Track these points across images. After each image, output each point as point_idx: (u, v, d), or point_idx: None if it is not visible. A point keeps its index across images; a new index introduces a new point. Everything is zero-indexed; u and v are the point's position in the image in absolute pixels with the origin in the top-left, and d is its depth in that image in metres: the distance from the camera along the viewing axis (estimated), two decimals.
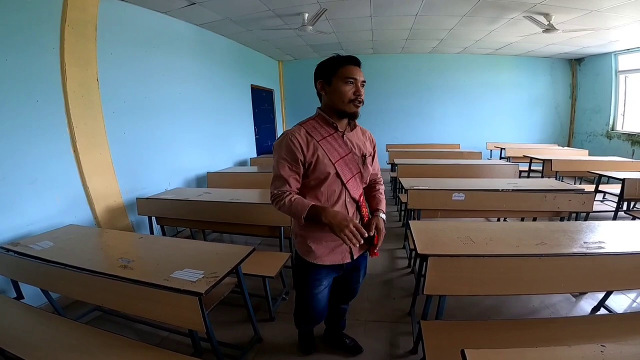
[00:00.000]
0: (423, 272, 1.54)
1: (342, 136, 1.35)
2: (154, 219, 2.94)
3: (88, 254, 1.85)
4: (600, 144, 6.31)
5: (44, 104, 2.39)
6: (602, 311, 2.17)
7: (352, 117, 1.32)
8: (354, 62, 1.27)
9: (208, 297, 1.39)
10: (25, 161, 2.30)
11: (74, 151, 2.61)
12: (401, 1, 3.60)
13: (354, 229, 1.15)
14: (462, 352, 0.95)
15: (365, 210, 1.42)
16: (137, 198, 2.90)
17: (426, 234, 1.78)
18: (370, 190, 1.53)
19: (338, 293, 1.65)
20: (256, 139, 6.13)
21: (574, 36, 4.58)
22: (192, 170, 4.18)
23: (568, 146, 6.96)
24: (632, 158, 5.17)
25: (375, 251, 1.35)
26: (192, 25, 4.13)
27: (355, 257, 1.43)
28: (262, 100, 6.43)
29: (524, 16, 3.76)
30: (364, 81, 1.28)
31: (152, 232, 2.97)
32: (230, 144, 5.23)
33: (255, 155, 5.96)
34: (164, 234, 3.07)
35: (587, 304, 2.31)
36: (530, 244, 1.66)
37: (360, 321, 2.20)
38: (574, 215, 2.68)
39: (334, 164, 1.29)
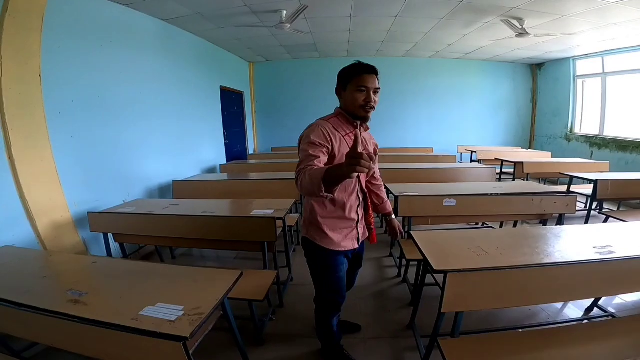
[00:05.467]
0: (419, 282, 1.49)
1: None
2: (110, 235, 2.54)
3: (28, 284, 1.47)
4: (560, 146, 6.63)
5: None
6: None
7: (362, 120, 1.46)
8: (370, 71, 1.37)
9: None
10: None
11: (9, 158, 2.18)
12: (383, 1, 3.50)
13: (361, 160, 1.04)
14: None
15: (368, 200, 1.59)
16: (88, 212, 2.48)
17: (434, 246, 1.62)
18: (371, 185, 1.78)
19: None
20: (225, 143, 5.73)
21: (540, 41, 4.73)
22: (155, 178, 3.76)
23: (530, 148, 7.26)
24: (590, 159, 5.45)
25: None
26: (156, 19, 3.76)
27: (360, 243, 1.59)
28: (231, 103, 6.07)
29: (500, 20, 3.80)
30: (378, 88, 1.40)
31: (108, 251, 2.56)
32: (197, 150, 4.82)
33: (224, 161, 5.54)
34: (123, 252, 2.66)
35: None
36: (544, 251, 1.57)
37: (359, 339, 2.02)
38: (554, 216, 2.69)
39: None
